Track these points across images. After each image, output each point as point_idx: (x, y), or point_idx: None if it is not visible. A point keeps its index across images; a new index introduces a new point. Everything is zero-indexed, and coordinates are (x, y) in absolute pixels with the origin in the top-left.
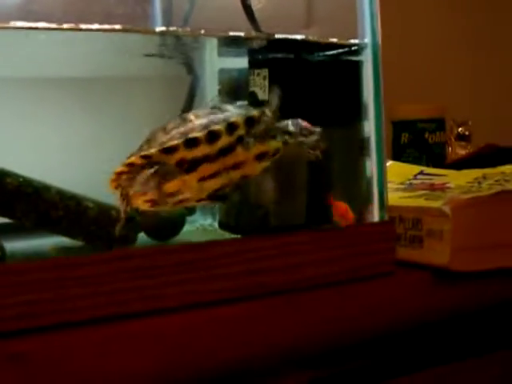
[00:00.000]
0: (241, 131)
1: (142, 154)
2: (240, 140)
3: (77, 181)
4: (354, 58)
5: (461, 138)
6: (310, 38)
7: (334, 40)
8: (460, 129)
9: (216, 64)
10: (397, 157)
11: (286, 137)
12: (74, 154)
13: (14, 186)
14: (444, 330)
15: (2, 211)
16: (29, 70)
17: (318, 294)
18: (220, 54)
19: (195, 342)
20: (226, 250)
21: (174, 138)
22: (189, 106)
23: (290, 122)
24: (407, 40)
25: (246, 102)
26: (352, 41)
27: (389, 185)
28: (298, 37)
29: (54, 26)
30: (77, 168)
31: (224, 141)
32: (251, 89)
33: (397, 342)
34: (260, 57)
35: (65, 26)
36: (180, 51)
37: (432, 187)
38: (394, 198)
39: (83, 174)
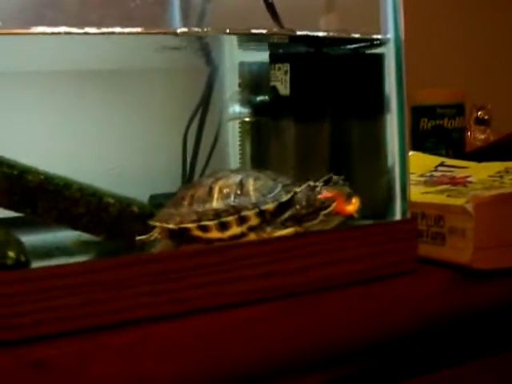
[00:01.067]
0: (252, 223)
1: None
2: (252, 229)
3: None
4: (377, 51)
5: (480, 122)
6: (332, 34)
7: (357, 35)
8: (479, 113)
9: (236, 57)
10: (415, 142)
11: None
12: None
13: (36, 183)
14: (466, 328)
15: (23, 208)
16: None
17: (340, 293)
18: (240, 47)
19: (215, 344)
20: (245, 252)
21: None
22: (207, 96)
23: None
24: (426, 24)
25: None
26: (375, 36)
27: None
28: (320, 33)
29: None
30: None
31: (234, 230)
32: (272, 83)
33: (417, 340)
34: (281, 51)
35: (100, 30)
36: (199, 44)
37: (453, 181)
38: (415, 192)
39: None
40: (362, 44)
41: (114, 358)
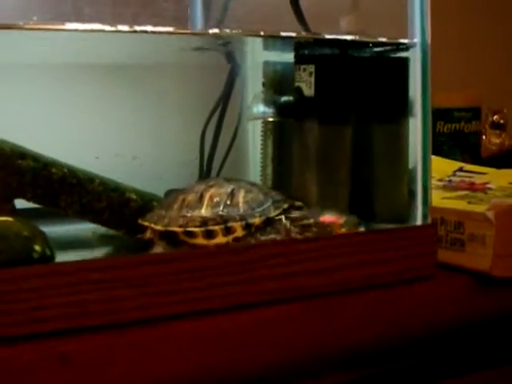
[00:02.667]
0: (238, 234)
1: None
2: (237, 240)
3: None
4: (403, 55)
5: (495, 126)
6: (359, 38)
7: (384, 39)
8: (495, 117)
9: (260, 56)
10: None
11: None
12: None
13: (59, 177)
14: (483, 335)
15: (46, 201)
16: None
17: (360, 296)
18: (265, 47)
19: (237, 343)
20: (268, 252)
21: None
22: (227, 93)
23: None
24: (443, 27)
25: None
26: (401, 40)
27: None
28: (347, 37)
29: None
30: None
31: (220, 240)
32: (297, 84)
33: (435, 345)
34: (307, 52)
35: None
36: (222, 43)
37: (472, 187)
38: (435, 197)
39: None
40: (388, 47)
41: (137, 355)
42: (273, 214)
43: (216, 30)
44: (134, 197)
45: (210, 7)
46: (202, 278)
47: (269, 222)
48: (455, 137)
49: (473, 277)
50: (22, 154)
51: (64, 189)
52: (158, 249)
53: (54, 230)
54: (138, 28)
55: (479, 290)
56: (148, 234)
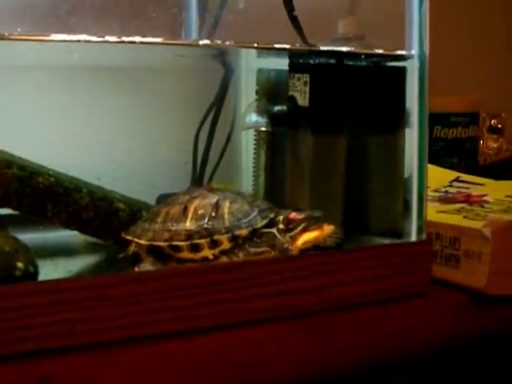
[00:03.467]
0: (225, 247)
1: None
2: (224, 253)
3: None
4: (399, 65)
5: (493, 130)
6: (356, 49)
7: (380, 51)
8: (493, 121)
9: (255, 62)
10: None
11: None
12: None
13: (46, 186)
14: (478, 353)
15: (32, 210)
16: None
17: (352, 315)
18: (259, 55)
19: (228, 362)
20: (259, 271)
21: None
22: (220, 99)
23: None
24: (440, 32)
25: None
26: (399, 52)
27: None
28: (344, 49)
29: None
30: None
31: (206, 253)
32: (291, 93)
33: (428, 364)
34: (301, 61)
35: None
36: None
37: (469, 199)
38: (431, 210)
39: None
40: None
41: (120, 377)
42: (260, 224)
43: (207, 41)
44: (123, 206)
45: (205, 9)
46: (191, 296)
47: (256, 232)
48: (452, 143)
49: (467, 294)
50: (7, 162)
51: (50, 198)
52: (146, 265)
53: (45, 236)
54: (125, 39)
55: (473, 308)
56: (132, 248)
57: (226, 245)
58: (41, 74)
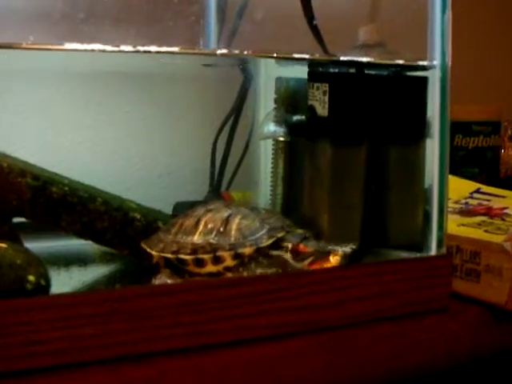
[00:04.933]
0: (228, 264)
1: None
2: (228, 270)
3: None
4: (421, 74)
5: None
6: (376, 60)
7: (402, 61)
8: None
9: (274, 70)
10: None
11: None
12: None
13: (59, 195)
14: (496, 369)
15: (46, 220)
16: None
17: (372, 330)
18: (278, 63)
19: (242, 379)
20: (276, 285)
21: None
22: (239, 105)
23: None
24: (464, 41)
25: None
26: (420, 62)
27: None
28: (364, 59)
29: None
30: None
31: (210, 269)
32: (310, 102)
33: (447, 379)
34: (321, 69)
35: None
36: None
37: (490, 212)
38: (451, 223)
39: None
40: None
41: None
42: (265, 243)
43: (225, 51)
44: (138, 216)
45: (224, 17)
46: (204, 311)
47: (263, 252)
48: (473, 153)
49: (487, 309)
50: (21, 171)
51: (64, 208)
52: (162, 277)
53: (61, 244)
54: (141, 48)
55: (493, 324)
56: (155, 259)
57: (230, 262)
58: (59, 80)
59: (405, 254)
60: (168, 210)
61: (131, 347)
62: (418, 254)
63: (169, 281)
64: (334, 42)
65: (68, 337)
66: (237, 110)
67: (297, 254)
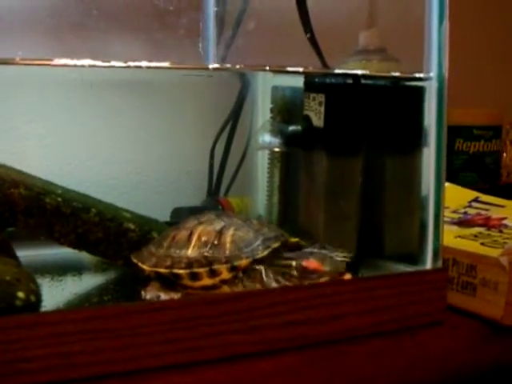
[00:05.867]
0: (224, 276)
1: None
2: (225, 282)
3: None
4: (418, 84)
5: None
6: (371, 71)
7: (397, 74)
8: None
9: (271, 80)
10: (449, 163)
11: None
12: None
13: (53, 206)
14: None
15: (39, 231)
16: None
17: (365, 345)
18: (275, 72)
19: None
20: (268, 300)
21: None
22: (236, 112)
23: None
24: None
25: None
26: (416, 74)
27: None
28: (359, 72)
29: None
30: None
31: (206, 282)
32: (305, 112)
33: None
34: (317, 80)
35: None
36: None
37: (488, 223)
38: (448, 235)
39: None
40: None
41: None
42: (260, 255)
43: (217, 65)
44: (132, 227)
45: (222, 27)
46: (195, 327)
47: (258, 263)
48: (473, 159)
49: (483, 324)
50: (14, 181)
51: (58, 219)
52: (152, 290)
53: (55, 252)
54: (131, 64)
55: (489, 339)
56: (146, 273)
57: (226, 275)
58: (59, 89)
59: (401, 266)
60: (166, 215)
61: (121, 365)
62: (414, 266)
63: (160, 293)
64: (333, 49)
65: (57, 354)
66: (235, 117)
67: (306, 271)
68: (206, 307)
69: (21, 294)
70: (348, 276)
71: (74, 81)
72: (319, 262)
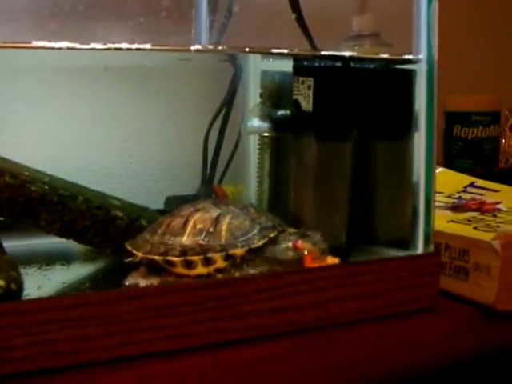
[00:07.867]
0: (219, 265)
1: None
2: (219, 271)
3: None
4: (408, 67)
5: None
6: (360, 54)
7: (386, 56)
8: None
9: (261, 64)
10: (446, 148)
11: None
12: None
13: (39, 195)
14: (484, 371)
15: (25, 219)
16: None
17: (355, 331)
18: (264, 57)
19: (222, 382)
20: (254, 286)
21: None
22: (230, 98)
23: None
24: (462, 30)
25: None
26: (406, 56)
27: (437, 196)
28: (347, 53)
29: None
30: None
31: (200, 270)
32: (294, 97)
33: (434, 381)
34: (305, 64)
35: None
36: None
37: (482, 207)
38: (441, 220)
39: None
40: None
41: None
42: (257, 244)
43: (199, 47)
44: (120, 214)
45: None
46: (181, 314)
47: (255, 252)
48: (471, 145)
49: (475, 309)
50: None
51: (44, 207)
52: (133, 277)
53: (46, 241)
54: (112, 46)
55: (481, 324)
56: (138, 259)
57: (221, 263)
58: (51, 75)
59: (392, 251)
60: (160, 203)
61: (106, 352)
62: (406, 252)
63: (139, 280)
64: (324, 34)
65: (39, 342)
66: (228, 103)
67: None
68: (189, 294)
69: (1, 282)
70: (332, 259)
71: (68, 68)
72: (303, 240)
